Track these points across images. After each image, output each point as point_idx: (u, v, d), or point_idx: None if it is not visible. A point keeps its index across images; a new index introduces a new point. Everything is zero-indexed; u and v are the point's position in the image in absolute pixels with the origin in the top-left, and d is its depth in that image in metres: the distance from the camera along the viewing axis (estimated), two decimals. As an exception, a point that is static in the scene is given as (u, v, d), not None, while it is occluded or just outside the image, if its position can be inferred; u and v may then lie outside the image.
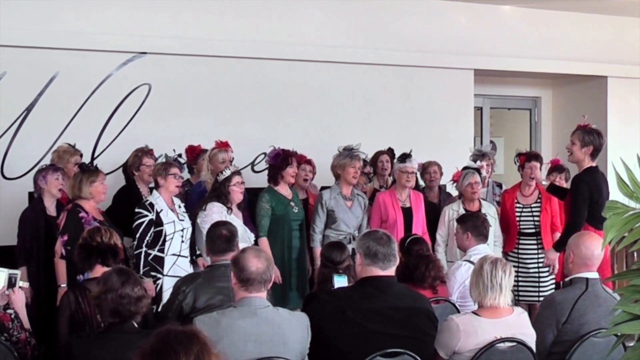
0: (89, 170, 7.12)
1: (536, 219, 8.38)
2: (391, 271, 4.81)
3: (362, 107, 10.46)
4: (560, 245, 7.77)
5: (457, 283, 6.48)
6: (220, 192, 7.33)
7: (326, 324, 4.66)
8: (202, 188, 7.90)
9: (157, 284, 6.99)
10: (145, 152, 7.90)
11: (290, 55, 9.93)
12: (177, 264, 7.12)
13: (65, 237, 6.85)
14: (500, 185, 9.47)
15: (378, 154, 9.31)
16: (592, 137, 7.58)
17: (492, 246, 7.90)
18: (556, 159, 9.36)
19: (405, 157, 8.25)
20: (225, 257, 5.47)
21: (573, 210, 7.64)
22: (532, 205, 8.42)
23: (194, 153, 8.57)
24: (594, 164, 7.61)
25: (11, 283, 5.36)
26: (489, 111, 12.61)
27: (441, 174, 9.10)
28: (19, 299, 5.28)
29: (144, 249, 7.00)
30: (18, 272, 5.43)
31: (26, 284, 5.69)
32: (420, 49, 10.68)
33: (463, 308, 6.14)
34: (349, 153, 8.09)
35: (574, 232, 7.30)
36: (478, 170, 8.53)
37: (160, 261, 7.06)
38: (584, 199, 7.51)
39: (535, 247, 8.37)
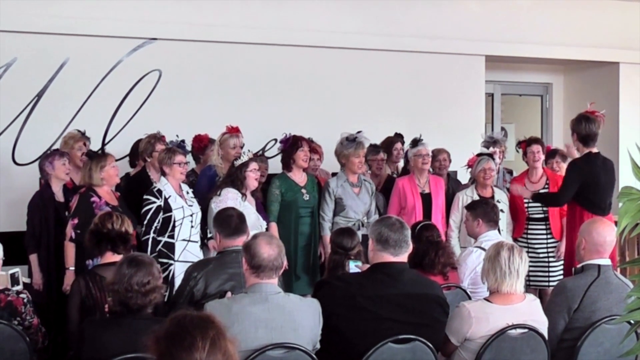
0: (97, 156, 7.11)
1: (544, 204, 8.37)
2: (403, 257, 4.79)
3: (372, 93, 10.42)
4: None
5: (468, 269, 6.47)
6: (235, 177, 7.32)
7: (337, 310, 4.65)
8: (212, 172, 7.87)
9: (170, 270, 6.97)
10: (158, 138, 7.86)
11: (300, 42, 9.89)
12: (187, 249, 7.13)
13: (76, 220, 6.86)
14: (510, 172, 9.44)
15: (390, 141, 9.26)
16: (574, 124, 7.61)
17: (504, 232, 7.90)
18: (548, 145, 9.35)
19: (417, 141, 8.27)
20: (237, 242, 5.45)
21: (562, 187, 7.73)
22: (540, 191, 8.40)
23: (202, 143, 8.53)
24: (593, 150, 7.59)
25: (15, 279, 5.41)
26: (500, 97, 12.55)
27: (450, 161, 9.06)
28: None
29: (152, 235, 7.02)
30: (18, 269, 5.47)
31: (27, 280, 5.76)
32: (431, 35, 10.63)
33: (474, 294, 6.14)
34: (352, 143, 8.04)
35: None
36: (491, 156, 8.51)
37: (171, 247, 7.08)
38: (573, 181, 7.56)
39: (544, 232, 8.39)
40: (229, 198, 7.16)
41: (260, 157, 8.71)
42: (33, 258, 7.25)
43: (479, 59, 11.03)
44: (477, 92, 11.11)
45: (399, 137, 9.32)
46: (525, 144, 8.68)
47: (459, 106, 10.87)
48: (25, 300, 5.20)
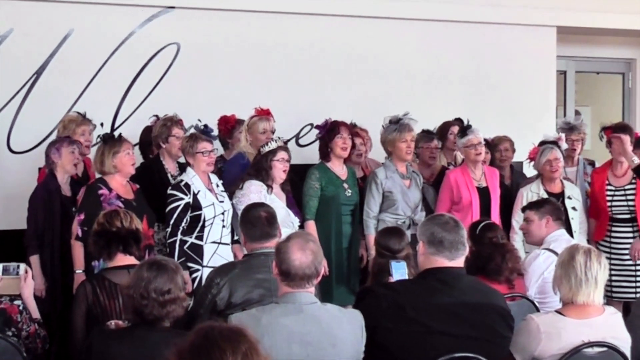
0: (112, 141, 7.14)
1: (631, 202, 8.28)
2: (459, 262, 4.78)
3: (423, 71, 10.40)
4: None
5: (534, 275, 6.46)
6: (260, 167, 7.34)
7: (382, 323, 4.65)
8: (246, 160, 7.86)
9: (196, 277, 7.00)
10: (175, 121, 7.87)
11: (341, 11, 9.86)
12: (217, 252, 7.14)
13: (82, 216, 6.90)
14: (592, 163, 9.33)
15: (447, 125, 9.22)
16: None
17: (577, 234, 7.85)
18: (636, 132, 9.21)
19: (465, 129, 8.26)
20: (266, 245, 5.46)
21: None
22: (626, 187, 8.32)
23: (228, 125, 8.53)
24: None
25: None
26: (574, 76, 12.47)
27: (513, 151, 9.04)
28: (28, 285, 5.31)
29: (179, 236, 7.04)
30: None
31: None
32: (494, 3, 10.57)
33: (542, 305, 6.11)
34: (396, 126, 8.04)
35: None
36: (556, 143, 8.43)
37: (198, 250, 7.10)
38: None
39: (630, 235, 8.31)
40: (251, 191, 7.20)
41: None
42: (34, 260, 7.24)
43: (550, 30, 10.97)
44: (547, 70, 11.06)
45: (457, 121, 9.29)
46: (610, 132, 8.57)
47: (526, 86, 10.82)
48: (20, 308, 5.23)
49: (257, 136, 7.86)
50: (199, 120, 7.82)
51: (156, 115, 8.10)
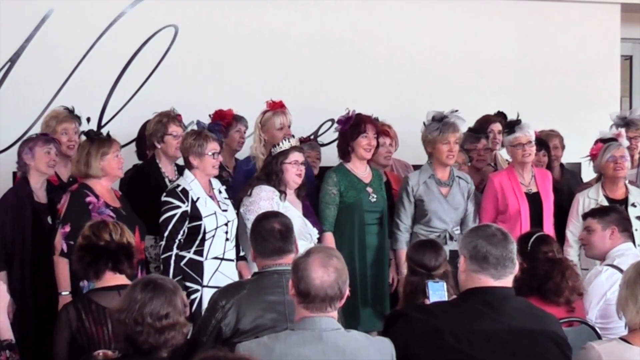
0: (99, 140, 7.12)
1: None
2: (507, 281, 4.76)
3: (462, 57, 10.42)
4: None
5: (596, 297, 6.42)
6: (270, 171, 7.34)
7: (416, 351, 4.64)
8: (251, 166, 7.89)
9: (195, 298, 7.01)
10: (172, 117, 7.83)
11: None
12: (220, 270, 7.12)
13: (67, 228, 6.86)
14: (656, 164, 9.34)
15: (486, 120, 9.20)
16: None
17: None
18: None
19: (514, 125, 8.21)
20: (280, 261, 5.46)
21: None
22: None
23: (224, 121, 8.44)
24: None
25: None
26: (643, 61, 12.48)
27: (563, 147, 9.04)
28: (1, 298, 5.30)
29: (175, 251, 7.03)
30: None
31: None
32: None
33: (605, 332, 6.08)
34: (439, 124, 7.98)
35: None
36: (615, 140, 8.40)
37: (197, 267, 7.09)
38: None
39: None
40: (261, 198, 7.21)
41: (309, 142, 8.69)
42: (1, 277, 7.16)
43: (613, 8, 10.96)
44: (610, 54, 11.06)
45: (499, 116, 9.28)
46: None
47: (585, 74, 10.83)
48: (-11, 339, 5.25)
49: (274, 133, 7.86)
50: (210, 116, 7.81)
51: None
